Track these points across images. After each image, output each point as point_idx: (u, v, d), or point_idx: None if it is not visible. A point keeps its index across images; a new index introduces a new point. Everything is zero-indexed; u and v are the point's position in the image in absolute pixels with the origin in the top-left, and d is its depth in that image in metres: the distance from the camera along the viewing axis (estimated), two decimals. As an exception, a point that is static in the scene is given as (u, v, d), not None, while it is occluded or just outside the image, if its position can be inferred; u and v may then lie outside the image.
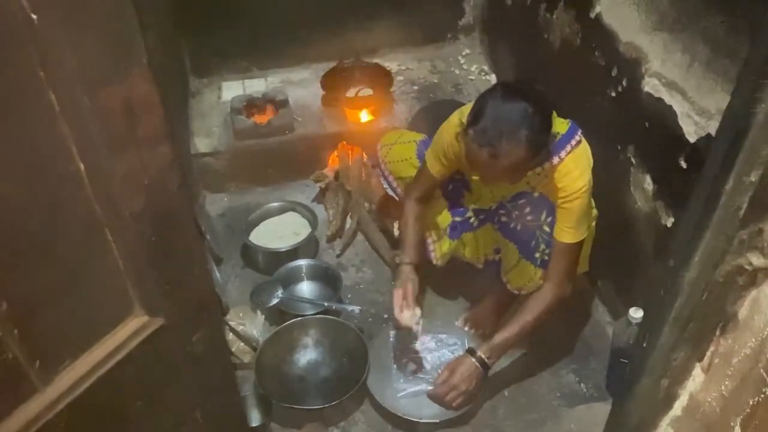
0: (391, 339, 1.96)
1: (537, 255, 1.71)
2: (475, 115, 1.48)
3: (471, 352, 1.75)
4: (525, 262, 1.74)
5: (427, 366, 1.91)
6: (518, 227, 1.72)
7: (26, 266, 0.83)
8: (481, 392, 1.82)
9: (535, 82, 2.40)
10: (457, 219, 1.86)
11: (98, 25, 0.76)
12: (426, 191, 1.88)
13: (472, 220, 1.86)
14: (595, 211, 1.79)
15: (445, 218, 1.89)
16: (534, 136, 1.45)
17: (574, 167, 1.59)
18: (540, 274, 1.72)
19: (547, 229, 1.67)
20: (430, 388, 1.80)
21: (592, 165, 1.64)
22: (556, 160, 1.59)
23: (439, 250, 1.94)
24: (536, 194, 1.67)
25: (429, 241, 1.95)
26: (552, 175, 1.61)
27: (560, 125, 1.61)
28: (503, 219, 1.76)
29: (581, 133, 1.63)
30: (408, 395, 1.85)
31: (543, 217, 1.67)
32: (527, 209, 1.69)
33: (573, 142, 1.60)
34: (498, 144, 1.44)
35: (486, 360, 1.73)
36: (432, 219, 1.91)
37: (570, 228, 1.64)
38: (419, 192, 1.89)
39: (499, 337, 1.73)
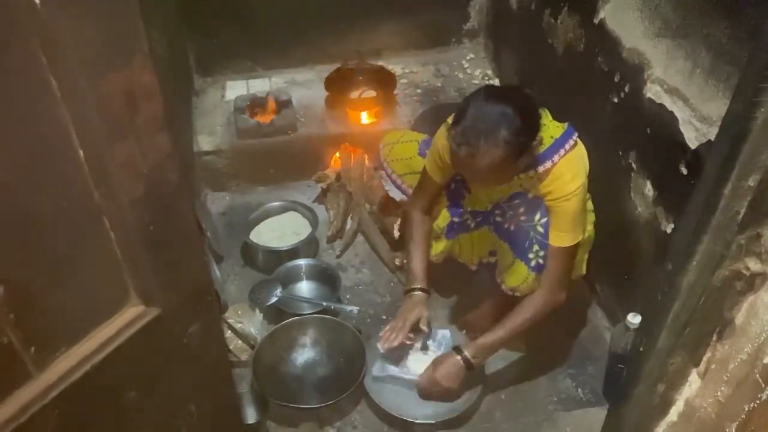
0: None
1: (531, 256, 1.70)
2: (457, 116, 1.51)
3: (458, 350, 1.76)
4: (519, 263, 1.73)
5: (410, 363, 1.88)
6: (512, 227, 1.72)
7: (24, 251, 0.83)
8: (478, 393, 1.83)
9: (538, 86, 2.42)
10: (456, 219, 1.86)
11: (101, 11, 0.76)
12: (431, 198, 1.88)
13: (469, 221, 1.86)
14: (592, 216, 1.79)
15: (444, 218, 1.89)
16: (513, 137, 1.45)
17: (566, 170, 1.60)
18: (533, 277, 1.72)
19: (540, 229, 1.67)
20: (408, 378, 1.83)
21: (588, 168, 1.64)
22: (549, 163, 1.60)
23: (435, 247, 1.94)
24: (531, 195, 1.67)
25: None
26: (545, 179, 1.62)
27: (555, 129, 1.62)
28: (498, 219, 1.76)
29: (577, 136, 1.63)
30: (378, 379, 1.85)
31: (537, 217, 1.67)
32: (521, 209, 1.69)
33: (567, 146, 1.60)
34: (476, 143, 1.45)
35: (471, 360, 1.74)
36: (433, 215, 1.91)
37: (562, 231, 1.64)
38: (425, 199, 1.89)
39: (487, 339, 1.75)
